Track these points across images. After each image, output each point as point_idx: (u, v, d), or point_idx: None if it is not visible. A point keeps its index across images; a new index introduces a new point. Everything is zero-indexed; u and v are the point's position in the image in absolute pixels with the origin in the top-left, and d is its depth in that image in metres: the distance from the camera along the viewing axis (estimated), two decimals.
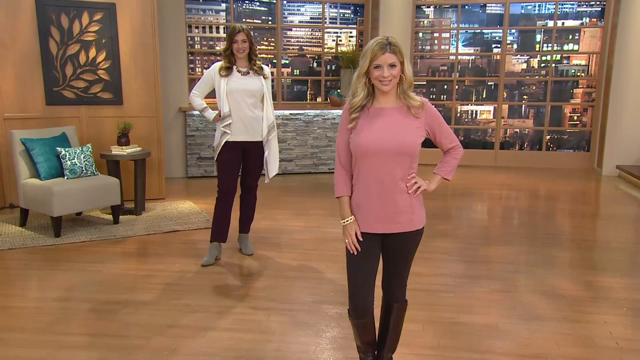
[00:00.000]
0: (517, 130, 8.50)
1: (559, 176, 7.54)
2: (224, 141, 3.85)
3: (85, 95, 5.44)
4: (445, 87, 8.47)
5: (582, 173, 7.81)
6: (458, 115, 8.48)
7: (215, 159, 3.97)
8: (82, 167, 4.75)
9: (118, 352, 2.75)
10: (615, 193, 6.71)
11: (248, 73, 3.88)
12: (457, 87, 8.38)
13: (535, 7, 8.14)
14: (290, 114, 7.47)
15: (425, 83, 8.54)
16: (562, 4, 8.04)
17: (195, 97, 4.00)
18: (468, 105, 8.54)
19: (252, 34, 3.91)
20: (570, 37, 8.13)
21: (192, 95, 4.01)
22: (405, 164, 2.18)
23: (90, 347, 2.80)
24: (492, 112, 8.43)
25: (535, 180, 7.35)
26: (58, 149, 4.69)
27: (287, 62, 8.02)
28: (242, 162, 3.98)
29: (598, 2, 7.93)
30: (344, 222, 2.26)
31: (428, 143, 2.36)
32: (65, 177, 4.67)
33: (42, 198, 4.49)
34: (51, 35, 5.21)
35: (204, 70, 3.98)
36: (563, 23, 8.09)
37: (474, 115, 8.55)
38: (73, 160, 4.70)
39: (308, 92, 8.17)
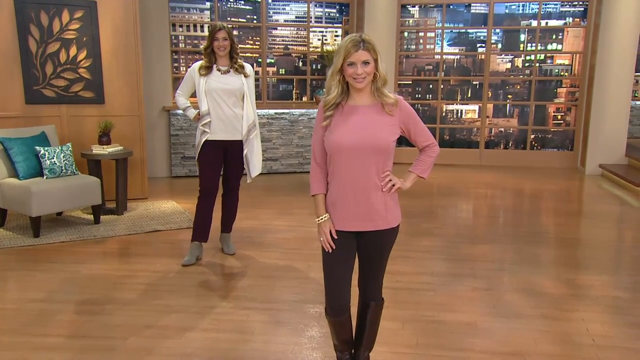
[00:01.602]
0: (502, 129, 8.54)
1: (543, 175, 7.60)
2: (203, 140, 3.83)
3: (66, 94, 5.37)
4: (431, 86, 8.49)
5: (566, 172, 7.87)
6: (443, 114, 8.50)
7: (196, 158, 3.95)
8: (61, 167, 4.69)
9: (93, 354, 2.72)
10: (598, 192, 6.77)
11: (228, 72, 3.85)
12: (442, 86, 8.40)
13: (519, 7, 8.18)
14: (276, 113, 7.45)
15: (410, 82, 8.56)
16: (546, 4, 8.09)
17: (179, 97, 4.02)
18: (453, 104, 8.56)
19: (233, 32, 3.89)
20: (554, 36, 8.18)
21: (176, 95, 4.04)
22: (380, 162, 2.17)
23: (65, 349, 2.76)
24: (477, 111, 8.46)
25: (519, 179, 7.39)
26: (37, 148, 4.63)
27: (272, 61, 7.99)
28: (223, 161, 3.95)
29: (581, 2, 7.99)
30: (319, 220, 2.26)
31: (408, 142, 2.35)
32: (45, 177, 4.61)
33: (21, 198, 4.43)
34: (30, 33, 5.14)
35: (188, 69, 3.96)
36: (547, 23, 8.14)
37: (459, 114, 8.58)
38: (52, 160, 4.64)
39: (294, 92, 8.14)
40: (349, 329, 2.39)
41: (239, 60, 3.92)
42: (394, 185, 2.21)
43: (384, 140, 2.15)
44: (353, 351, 2.47)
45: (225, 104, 3.81)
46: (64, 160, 4.71)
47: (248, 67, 3.95)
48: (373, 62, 2.13)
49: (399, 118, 2.21)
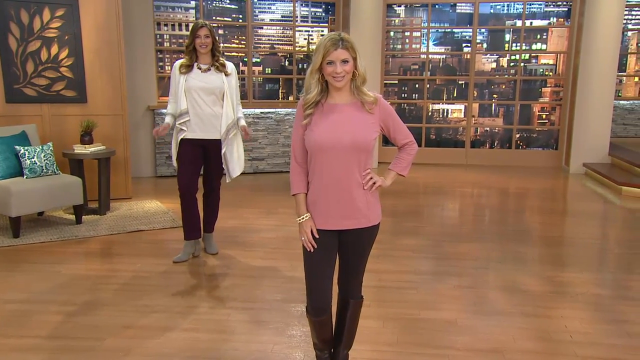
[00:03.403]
0: (488, 128, 8.59)
1: (528, 174, 7.65)
2: (180, 138, 3.80)
3: (48, 93, 5.31)
4: (417, 86, 8.52)
5: (551, 171, 7.93)
6: (429, 114, 8.53)
7: (175, 157, 3.90)
8: (42, 166, 4.64)
9: (69, 355, 2.68)
10: (582, 190, 6.82)
11: (209, 70, 3.82)
12: (428, 86, 8.43)
13: (504, 6, 8.24)
14: (262, 112, 7.43)
15: (396, 82, 8.58)
16: (530, 4, 8.15)
17: (169, 105, 3.89)
18: (439, 104, 8.59)
19: (214, 30, 3.87)
20: (538, 36, 8.25)
21: (168, 103, 3.91)
22: (361, 160, 2.17)
23: (41, 350, 2.72)
24: (462, 110, 8.50)
25: (505, 178, 7.43)
26: (17, 147, 4.57)
27: (258, 60, 7.97)
28: (203, 160, 3.92)
29: (564, 3, 8.06)
30: (300, 220, 2.25)
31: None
32: (25, 177, 4.56)
33: (0, 198, 4.37)
34: (10, 31, 5.07)
35: (172, 71, 3.91)
36: (531, 23, 8.21)
37: (445, 114, 8.62)
38: (33, 159, 4.58)
39: (280, 91, 8.13)
40: (329, 328, 2.38)
41: (220, 59, 3.89)
42: (374, 183, 2.21)
43: (364, 138, 2.15)
44: (332, 350, 2.46)
45: (203, 102, 3.78)
46: (44, 160, 4.66)
47: (229, 66, 3.92)
48: (352, 61, 2.12)
49: (379, 116, 2.21)
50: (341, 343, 2.43)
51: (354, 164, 2.16)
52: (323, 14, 8.10)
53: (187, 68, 3.79)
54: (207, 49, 3.79)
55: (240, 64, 7.71)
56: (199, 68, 3.81)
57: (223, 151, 3.85)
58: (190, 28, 3.86)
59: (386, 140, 8.09)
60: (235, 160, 3.92)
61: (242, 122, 3.92)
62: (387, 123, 2.24)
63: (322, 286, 2.26)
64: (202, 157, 3.90)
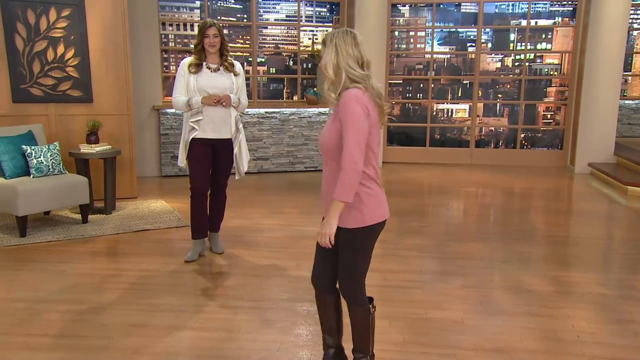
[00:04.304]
0: (492, 128, 8.57)
1: (533, 174, 7.63)
2: (191, 137, 3.81)
3: (54, 93, 5.33)
4: (421, 85, 8.51)
5: (556, 171, 7.91)
6: (434, 114, 8.52)
7: (185, 155, 3.89)
8: (48, 166, 4.66)
9: (79, 353, 2.70)
10: (587, 190, 6.81)
11: (218, 69, 3.84)
12: (432, 85, 8.42)
13: (508, 6, 8.22)
14: (266, 112, 7.44)
15: (401, 82, 8.57)
16: (535, 4, 8.13)
17: (179, 97, 3.80)
18: (444, 103, 8.59)
19: (223, 30, 3.88)
20: (543, 36, 8.23)
21: (174, 98, 3.82)
22: (332, 160, 2.19)
23: (50, 349, 2.74)
24: (467, 110, 8.49)
25: (509, 178, 7.42)
26: (24, 147, 4.59)
27: (263, 60, 7.98)
28: (212, 160, 3.93)
29: (570, 2, 8.04)
30: None
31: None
32: (32, 176, 4.58)
33: (7, 197, 4.39)
34: (17, 32, 5.10)
35: (178, 69, 3.90)
36: (536, 22, 8.19)
37: (449, 113, 8.61)
38: (39, 159, 4.60)
39: (284, 91, 8.14)
40: (329, 313, 2.42)
41: (229, 58, 3.90)
42: (327, 234, 2.15)
43: (327, 141, 2.18)
44: (342, 343, 2.49)
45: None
46: (51, 160, 4.68)
47: (238, 66, 3.94)
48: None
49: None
50: (353, 343, 2.43)
51: (329, 162, 2.23)
52: (328, 14, 8.11)
53: (197, 67, 3.79)
54: (215, 48, 3.81)
55: (245, 63, 7.73)
56: (208, 68, 3.82)
57: (235, 151, 3.87)
58: (197, 28, 3.88)
59: (390, 140, 8.09)
60: (244, 157, 3.96)
61: (234, 97, 3.86)
62: (340, 122, 2.10)
63: (321, 263, 2.37)
64: (212, 156, 3.91)
